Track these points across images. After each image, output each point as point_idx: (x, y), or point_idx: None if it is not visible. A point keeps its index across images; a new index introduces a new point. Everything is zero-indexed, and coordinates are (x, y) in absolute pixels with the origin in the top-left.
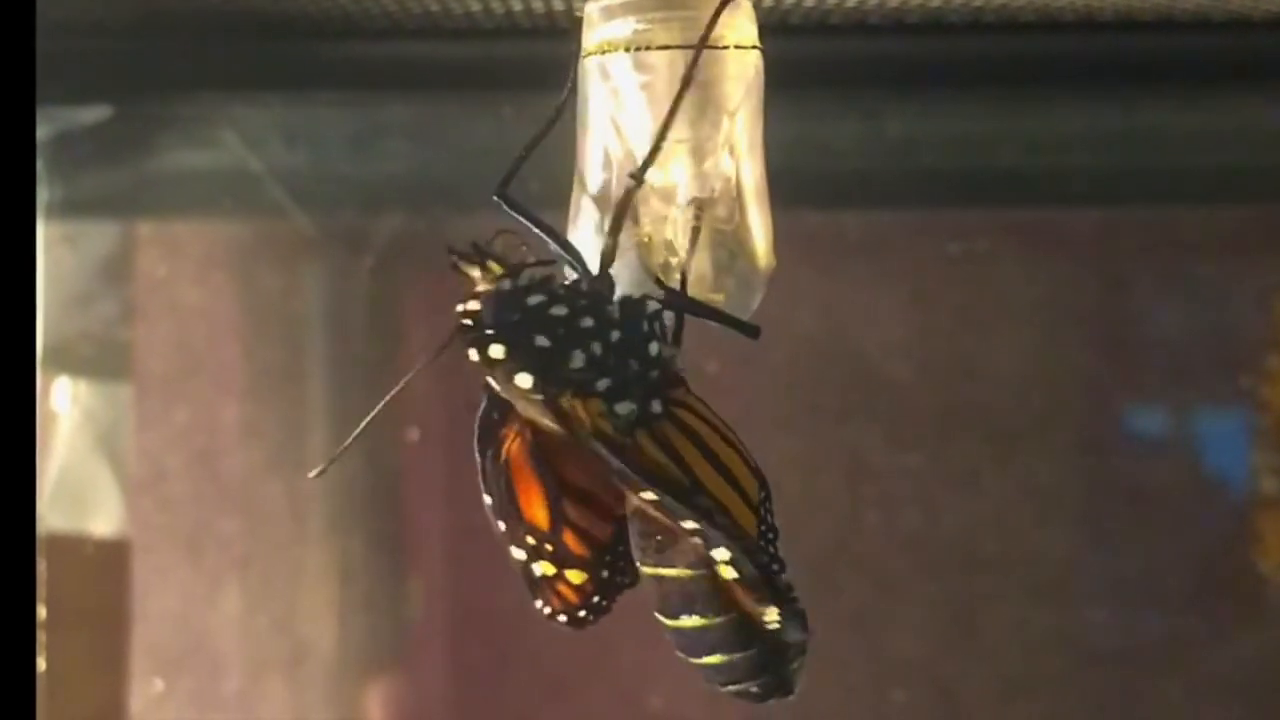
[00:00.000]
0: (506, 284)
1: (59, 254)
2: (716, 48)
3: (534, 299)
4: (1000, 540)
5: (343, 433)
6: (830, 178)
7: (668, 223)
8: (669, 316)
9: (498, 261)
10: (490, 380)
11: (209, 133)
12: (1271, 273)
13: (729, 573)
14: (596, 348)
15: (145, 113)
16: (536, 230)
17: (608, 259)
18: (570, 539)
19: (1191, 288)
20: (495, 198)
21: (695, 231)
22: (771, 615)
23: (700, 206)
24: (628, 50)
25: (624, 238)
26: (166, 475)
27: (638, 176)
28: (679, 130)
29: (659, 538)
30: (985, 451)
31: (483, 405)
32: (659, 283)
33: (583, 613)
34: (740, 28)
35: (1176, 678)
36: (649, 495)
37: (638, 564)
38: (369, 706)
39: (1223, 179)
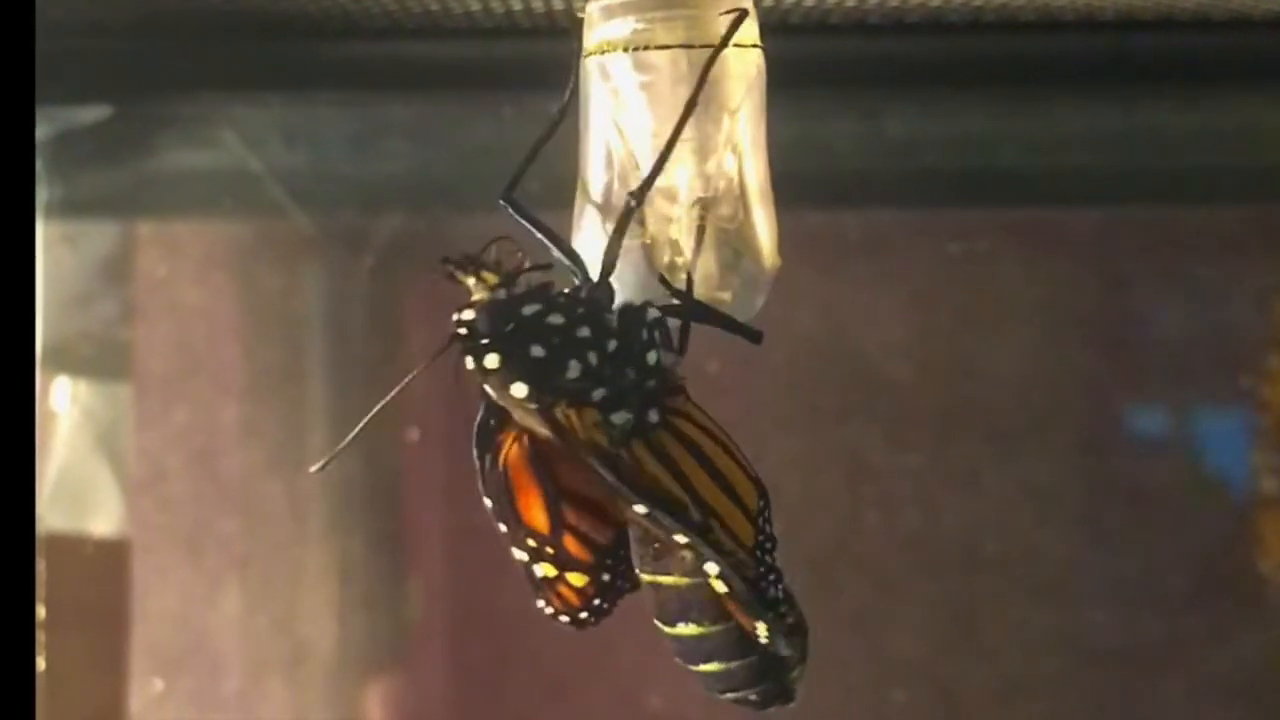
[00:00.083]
0: (502, 293)
1: (59, 254)
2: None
3: (530, 308)
4: (1000, 540)
5: (343, 433)
6: (830, 177)
7: (672, 222)
8: (673, 322)
9: (492, 270)
10: (486, 388)
11: (209, 132)
12: (1272, 273)
13: (721, 586)
14: (593, 357)
15: (145, 112)
16: (540, 235)
17: (608, 267)
18: (571, 542)
19: (1192, 288)
20: (502, 202)
21: (700, 231)
22: (761, 630)
23: (705, 206)
24: (627, 50)
25: (627, 239)
26: (166, 475)
27: (638, 196)
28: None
29: (656, 546)
30: (985, 451)
31: (480, 412)
32: (665, 283)
33: (584, 614)
34: (741, 26)
35: (1176, 678)
36: (640, 509)
37: (636, 570)
38: (369, 706)
39: (1223, 179)
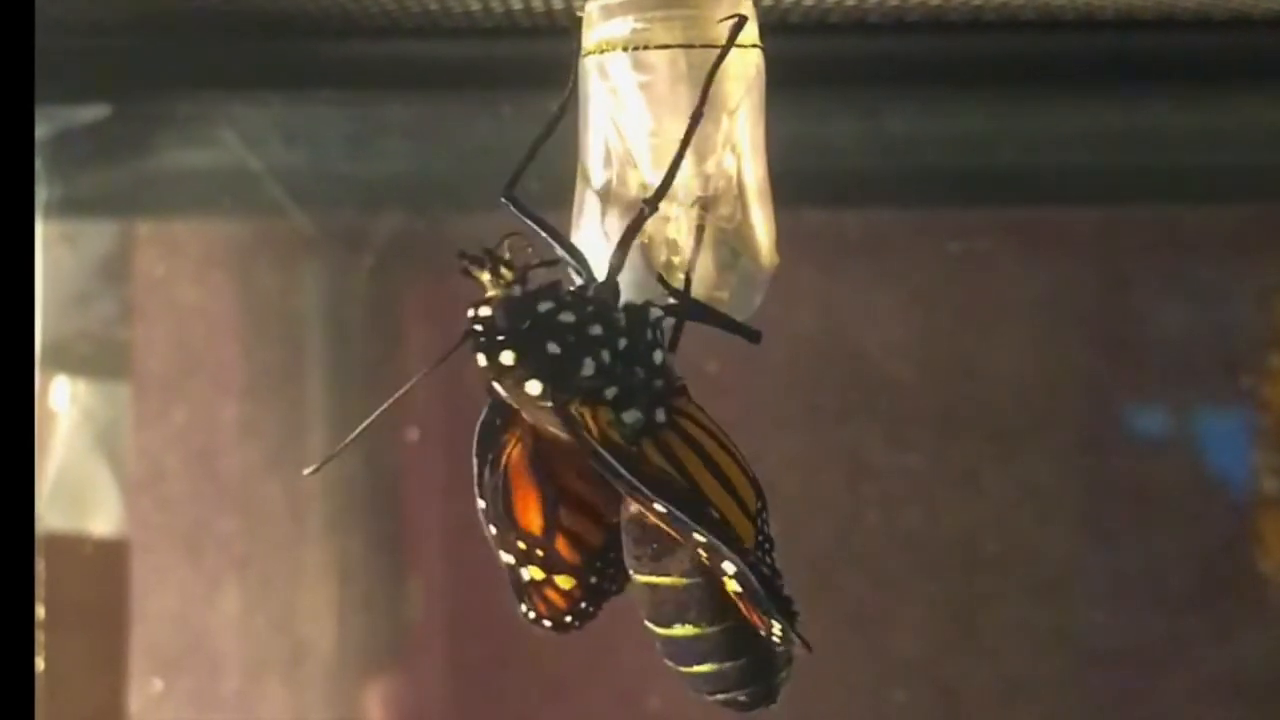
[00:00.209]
0: (517, 289)
1: (58, 253)
2: (716, 46)
3: (544, 305)
4: (1000, 540)
5: (342, 432)
6: (830, 177)
7: (670, 222)
8: (667, 321)
9: (508, 266)
10: (496, 386)
11: (208, 132)
12: (1272, 272)
13: (734, 585)
14: (605, 355)
15: (144, 112)
16: (542, 233)
17: (615, 270)
18: (563, 545)
19: (1192, 287)
20: (503, 200)
21: (700, 231)
22: (776, 628)
23: (704, 205)
24: (626, 50)
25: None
26: (165, 475)
27: (652, 204)
28: (680, 130)
29: (654, 546)
30: (985, 451)
31: (485, 411)
32: (663, 283)
33: (569, 618)
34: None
35: (1177, 678)
36: (659, 508)
37: (631, 572)
38: (369, 706)
39: (1224, 178)
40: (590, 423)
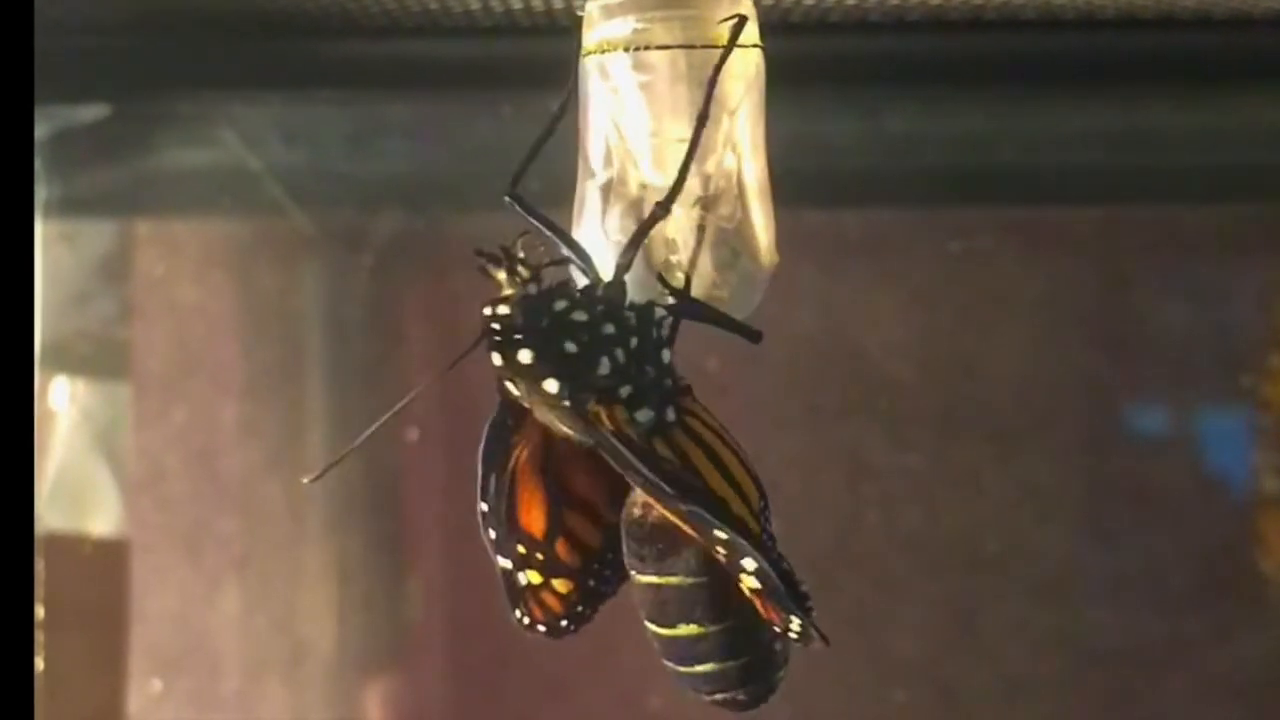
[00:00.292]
0: (532, 288)
1: (57, 253)
2: (716, 46)
3: (559, 304)
4: (1001, 540)
5: (342, 432)
6: (830, 176)
7: (670, 221)
8: (668, 321)
9: (524, 265)
10: (508, 385)
11: (208, 131)
12: (1273, 271)
13: (752, 583)
14: (620, 354)
15: (143, 111)
16: (547, 232)
17: (623, 269)
18: (563, 548)
19: (1193, 286)
20: (507, 199)
21: (701, 230)
22: (795, 624)
23: (704, 205)
24: (627, 50)
25: (623, 238)
26: (165, 474)
27: (665, 206)
28: (681, 129)
29: (659, 546)
30: (986, 451)
31: (495, 412)
32: (663, 282)
33: (564, 622)
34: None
35: (1178, 677)
36: (681, 506)
37: (633, 573)
38: (368, 706)
39: (1224, 177)
40: (606, 421)
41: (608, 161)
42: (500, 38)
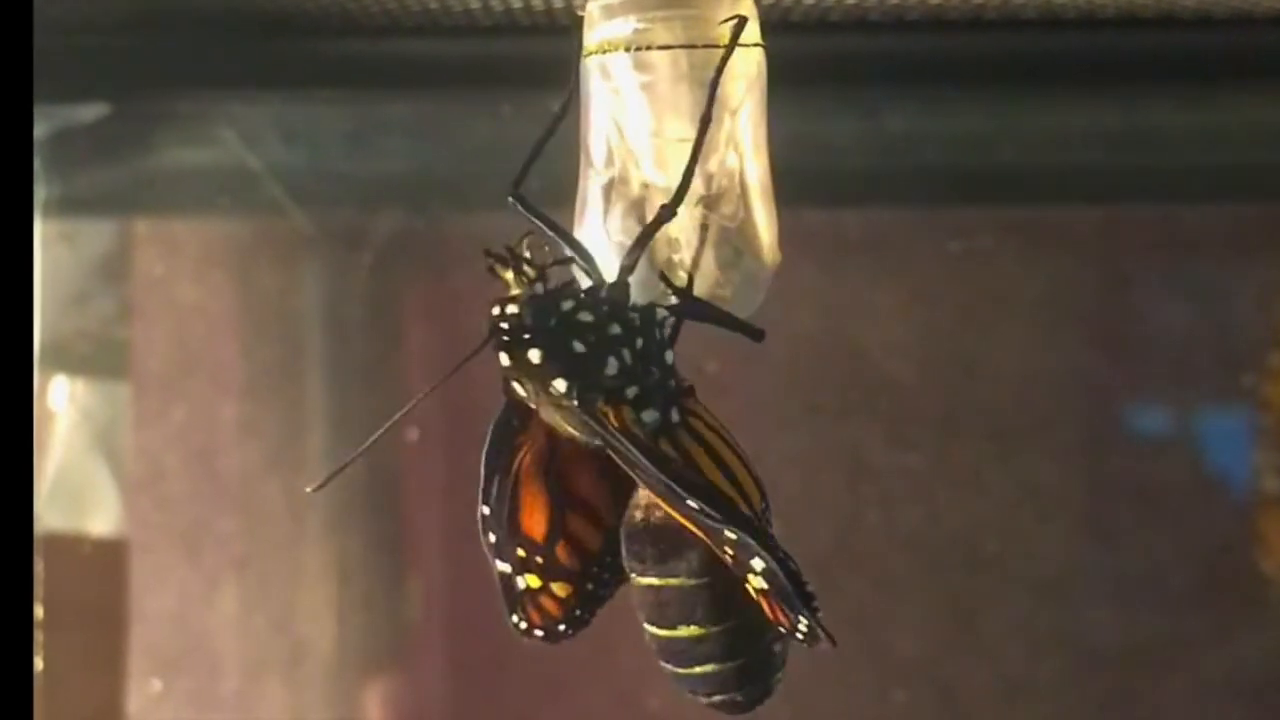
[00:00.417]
0: (540, 288)
1: (57, 252)
2: (718, 46)
3: (566, 304)
4: (1001, 539)
5: (342, 432)
6: (830, 175)
7: (672, 220)
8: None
9: (531, 265)
10: (515, 386)
11: (207, 130)
12: (1274, 270)
13: (759, 583)
14: (626, 355)
15: (143, 110)
16: (549, 232)
17: (627, 270)
18: (563, 551)
19: (1194, 286)
20: (510, 199)
21: (704, 230)
22: (803, 623)
23: (707, 204)
24: (628, 50)
25: (625, 238)
26: (164, 474)
27: (672, 208)
28: (682, 129)
29: (662, 547)
30: (986, 450)
31: (500, 412)
32: (665, 281)
33: (562, 626)
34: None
35: (1178, 677)
36: (692, 504)
37: (633, 575)
38: (368, 706)
39: (1225, 177)
40: (614, 421)
41: (609, 161)
42: (500, 37)
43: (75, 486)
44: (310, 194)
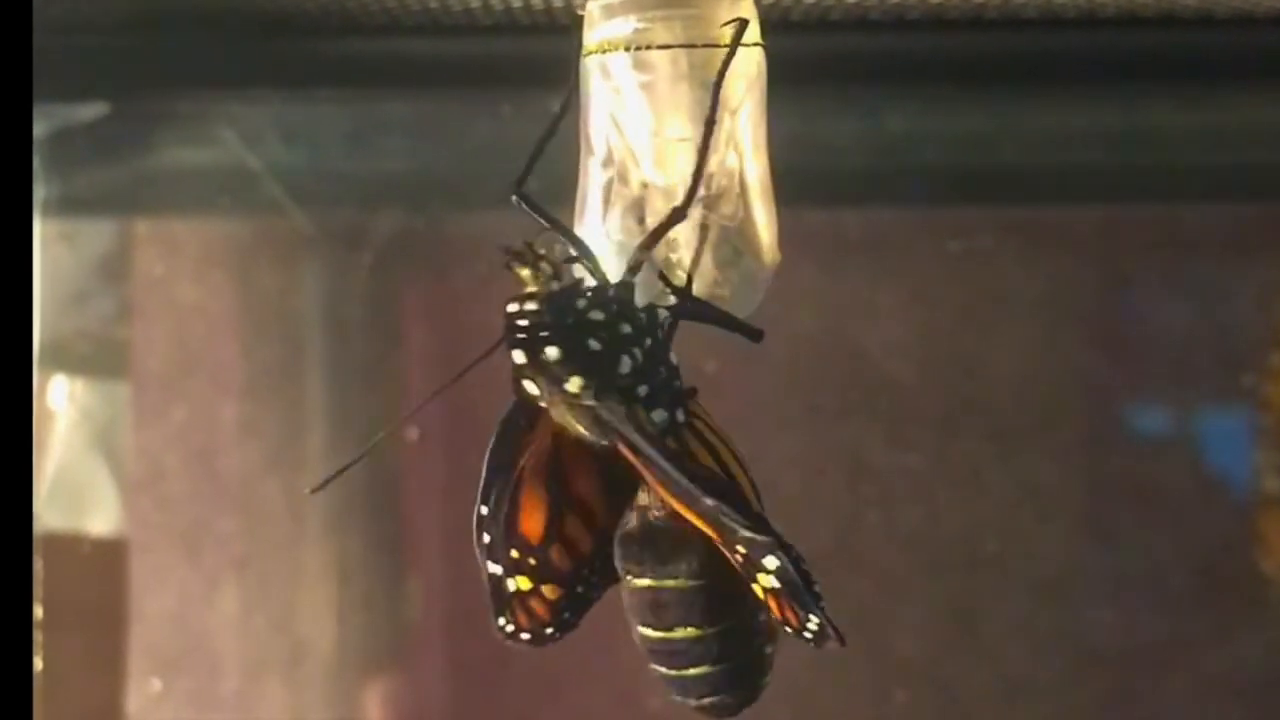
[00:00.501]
0: (555, 286)
1: (56, 252)
2: (718, 46)
3: (580, 302)
4: (1001, 539)
5: (342, 432)
6: (830, 175)
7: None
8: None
9: (550, 263)
10: (527, 384)
11: (207, 130)
12: (1274, 270)
13: (770, 582)
14: (638, 354)
15: (143, 110)
16: (555, 231)
17: (634, 270)
18: (557, 553)
19: (1194, 285)
20: (514, 198)
21: (703, 229)
22: (813, 621)
23: (707, 204)
24: (628, 49)
25: (624, 237)
26: (164, 474)
27: (683, 209)
28: (682, 128)
29: (662, 548)
30: (986, 450)
31: (508, 410)
32: (665, 280)
33: (549, 629)
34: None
35: (1178, 677)
36: (711, 503)
37: (629, 578)
38: (368, 706)
39: (1225, 176)
40: (627, 420)
41: (609, 161)
42: (500, 36)
43: (75, 486)
44: (310, 194)
